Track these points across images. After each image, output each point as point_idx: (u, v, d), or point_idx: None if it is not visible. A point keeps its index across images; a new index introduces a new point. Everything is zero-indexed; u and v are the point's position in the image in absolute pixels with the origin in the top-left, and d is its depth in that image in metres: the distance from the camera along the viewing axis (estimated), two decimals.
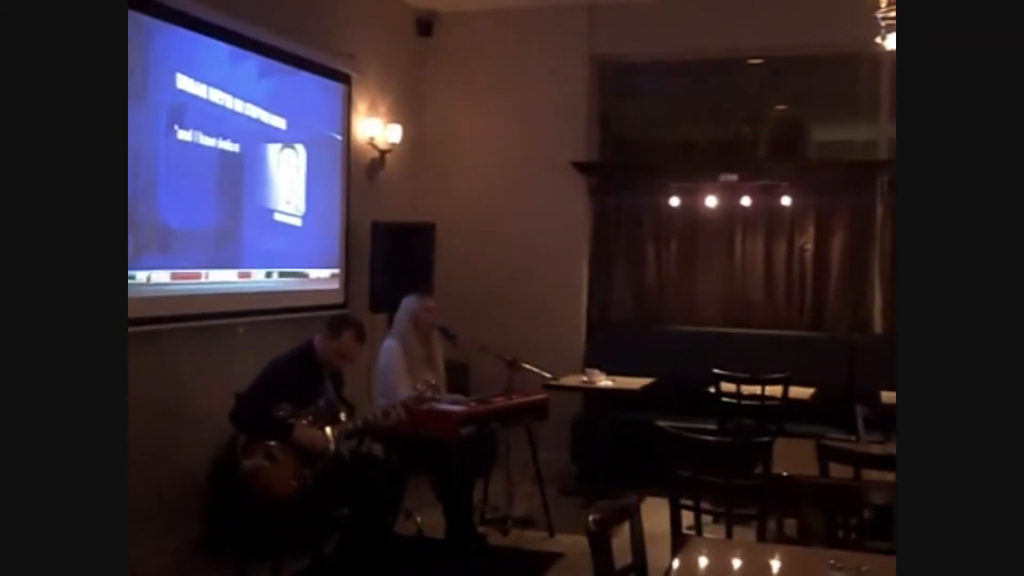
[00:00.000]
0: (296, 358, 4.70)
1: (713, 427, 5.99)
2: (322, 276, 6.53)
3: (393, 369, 5.26)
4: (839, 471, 3.75)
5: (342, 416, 4.67)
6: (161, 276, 5.03)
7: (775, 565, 3.05)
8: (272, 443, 4.39)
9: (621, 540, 2.82)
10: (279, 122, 6.00)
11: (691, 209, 7.56)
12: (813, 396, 6.32)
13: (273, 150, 5.97)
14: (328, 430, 4.55)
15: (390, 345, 5.35)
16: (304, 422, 4.49)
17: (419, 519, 5.51)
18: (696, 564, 2.99)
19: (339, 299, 6.63)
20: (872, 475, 3.63)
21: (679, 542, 3.72)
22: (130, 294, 4.65)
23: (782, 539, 3.93)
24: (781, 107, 8.07)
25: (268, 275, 5.96)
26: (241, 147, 5.64)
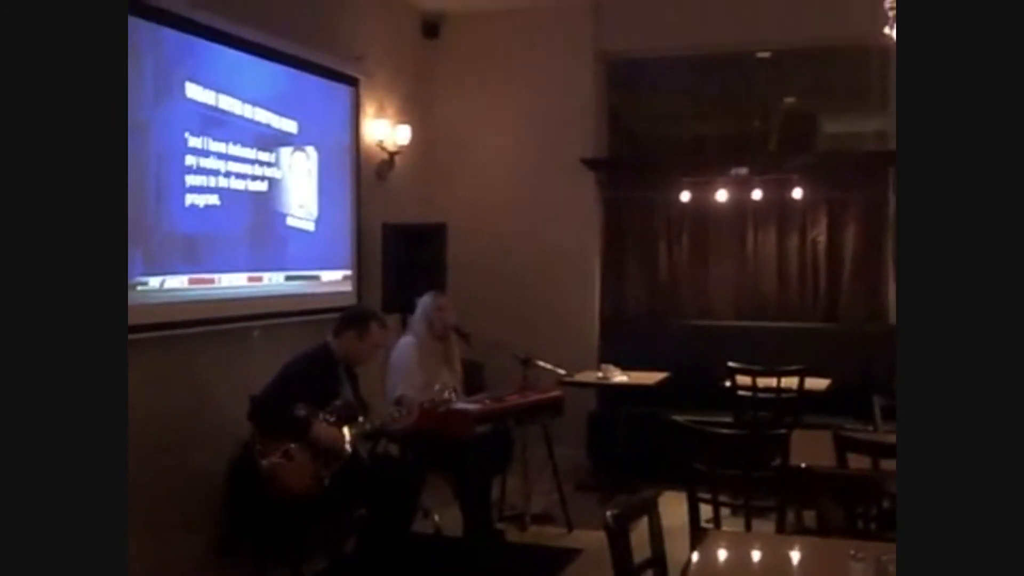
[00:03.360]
0: (314, 358, 4.70)
1: (729, 420, 5.99)
2: (334, 278, 6.54)
3: (403, 367, 5.27)
4: (857, 462, 3.75)
5: (360, 416, 4.68)
6: (175, 281, 5.05)
7: (795, 557, 3.05)
8: (290, 443, 4.40)
9: (639, 534, 2.82)
10: (290, 125, 6.01)
11: (702, 204, 7.55)
12: (829, 387, 6.31)
13: (285, 154, 5.98)
14: (346, 430, 4.56)
15: (406, 341, 5.37)
16: (322, 421, 4.50)
17: (437, 518, 5.52)
18: (716, 557, 2.99)
19: (352, 301, 6.62)
20: (890, 465, 3.61)
21: (698, 536, 3.72)
22: (143, 300, 4.67)
23: (801, 531, 3.92)
24: (791, 100, 8.04)
25: (281, 278, 5.97)
26: (253, 152, 5.65)
